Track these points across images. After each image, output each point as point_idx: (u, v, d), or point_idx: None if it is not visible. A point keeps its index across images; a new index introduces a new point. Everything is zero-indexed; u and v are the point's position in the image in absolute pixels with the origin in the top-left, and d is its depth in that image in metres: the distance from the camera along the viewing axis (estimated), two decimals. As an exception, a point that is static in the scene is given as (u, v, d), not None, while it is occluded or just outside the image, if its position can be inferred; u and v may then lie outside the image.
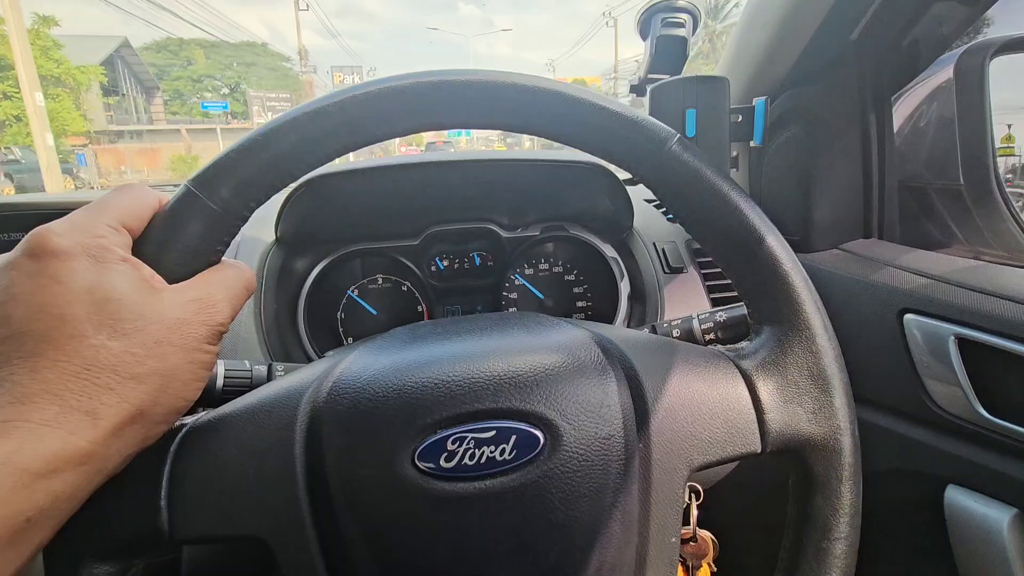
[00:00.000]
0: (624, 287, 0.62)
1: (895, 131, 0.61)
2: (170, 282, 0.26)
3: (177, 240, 0.27)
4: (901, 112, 0.66)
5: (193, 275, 0.27)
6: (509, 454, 0.26)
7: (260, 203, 0.28)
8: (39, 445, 0.21)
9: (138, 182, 0.57)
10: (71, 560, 0.25)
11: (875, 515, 0.50)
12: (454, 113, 0.28)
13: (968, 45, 0.57)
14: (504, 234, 0.63)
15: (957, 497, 0.43)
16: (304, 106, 0.28)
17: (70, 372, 0.22)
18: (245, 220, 0.28)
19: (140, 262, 0.25)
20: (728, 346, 0.33)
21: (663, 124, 0.30)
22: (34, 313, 0.22)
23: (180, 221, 0.27)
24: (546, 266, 0.67)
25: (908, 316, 0.47)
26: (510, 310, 0.66)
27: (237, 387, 0.38)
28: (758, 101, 0.48)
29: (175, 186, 0.30)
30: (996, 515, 0.40)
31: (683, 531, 0.41)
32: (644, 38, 0.61)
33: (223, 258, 0.29)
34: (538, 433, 0.27)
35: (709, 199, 0.30)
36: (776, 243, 0.30)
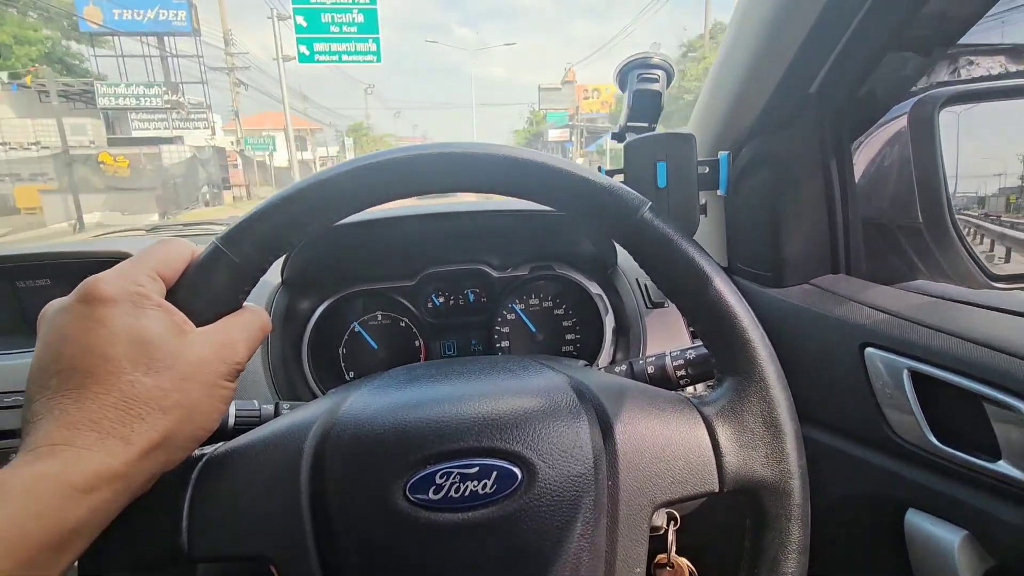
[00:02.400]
0: (609, 322, 0.66)
1: (861, 172, 0.66)
2: (197, 325, 0.30)
3: (205, 289, 0.31)
4: (866, 154, 0.70)
5: (217, 319, 0.31)
6: (490, 488, 0.30)
7: (278, 257, 0.32)
8: (82, 465, 0.25)
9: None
10: (101, 573, 0.28)
11: (841, 537, 0.53)
12: (452, 180, 0.32)
13: (919, 97, 0.61)
14: (495, 274, 0.67)
15: (916, 520, 0.46)
16: (319, 174, 0.32)
17: (109, 403, 0.26)
18: (264, 272, 0.33)
19: (172, 307, 0.29)
20: (693, 394, 0.36)
21: (636, 192, 0.34)
22: (82, 351, 0.27)
23: (208, 273, 0.31)
24: (536, 302, 0.71)
25: (868, 349, 0.51)
26: (500, 345, 0.69)
27: (248, 425, 0.42)
28: (722, 154, 0.52)
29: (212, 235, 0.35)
30: (949, 537, 0.42)
31: (659, 557, 0.44)
32: (622, 91, 0.66)
33: (247, 302, 0.33)
34: (516, 470, 0.30)
35: (674, 257, 0.33)
36: (733, 300, 0.33)
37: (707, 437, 0.33)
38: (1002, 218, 0.65)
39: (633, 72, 0.64)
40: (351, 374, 0.66)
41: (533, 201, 0.34)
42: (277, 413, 0.44)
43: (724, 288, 0.33)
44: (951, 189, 0.62)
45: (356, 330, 0.67)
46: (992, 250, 0.64)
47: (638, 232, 0.33)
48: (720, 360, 0.35)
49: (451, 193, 0.36)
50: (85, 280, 0.28)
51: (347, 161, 0.32)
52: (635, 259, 0.36)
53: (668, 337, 0.64)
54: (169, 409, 0.27)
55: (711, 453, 0.32)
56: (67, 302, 0.28)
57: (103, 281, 0.28)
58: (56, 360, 0.27)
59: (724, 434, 0.33)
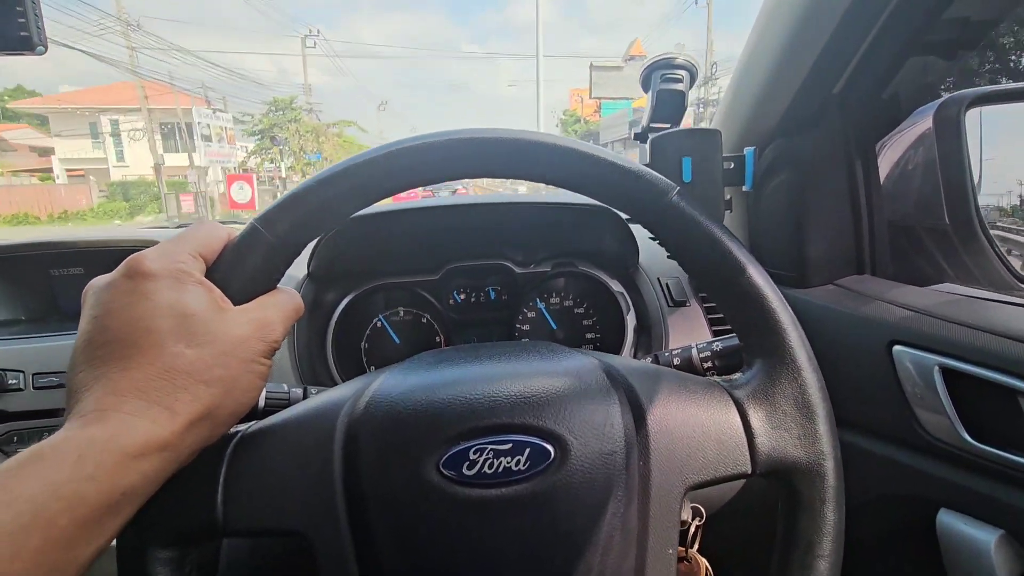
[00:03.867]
0: (631, 320, 0.66)
1: (886, 174, 0.66)
2: (235, 303, 0.31)
3: (242, 268, 0.31)
4: (890, 157, 0.70)
5: (254, 298, 0.32)
6: (524, 464, 0.30)
7: (312, 238, 0.33)
8: (132, 431, 0.25)
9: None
10: (139, 546, 0.29)
11: (872, 539, 0.51)
12: (482, 165, 0.33)
13: (945, 98, 0.62)
14: (517, 270, 0.68)
15: (949, 520, 0.45)
16: (353, 158, 0.32)
17: (153, 373, 0.27)
18: (299, 253, 0.33)
19: (212, 285, 0.30)
20: (723, 377, 0.36)
21: (664, 177, 0.34)
22: (127, 324, 0.27)
23: (245, 253, 0.31)
24: (557, 300, 0.71)
25: (897, 347, 0.50)
26: (523, 340, 0.70)
27: (277, 406, 0.42)
28: (748, 150, 0.53)
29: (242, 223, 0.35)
30: (984, 537, 0.42)
31: (678, 549, 0.43)
32: (645, 91, 0.67)
33: (278, 285, 0.34)
34: (549, 447, 0.30)
35: (704, 244, 0.34)
36: (763, 282, 0.33)
37: (739, 419, 0.32)
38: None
39: (657, 72, 0.65)
40: (371, 367, 0.67)
41: (561, 187, 0.34)
42: (306, 396, 0.45)
43: (754, 270, 0.33)
44: (976, 190, 0.62)
45: (378, 325, 0.67)
46: None
47: (666, 216, 0.34)
48: (749, 343, 0.35)
49: (483, 179, 0.36)
50: (130, 256, 0.29)
51: (380, 146, 0.33)
52: (663, 244, 0.36)
53: (690, 336, 0.64)
54: (212, 382, 0.28)
55: (743, 435, 0.32)
56: (112, 277, 0.29)
57: (147, 258, 0.29)
58: (102, 332, 0.27)
59: (756, 416, 0.32)
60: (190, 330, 0.28)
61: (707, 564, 0.46)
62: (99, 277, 0.30)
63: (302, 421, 0.32)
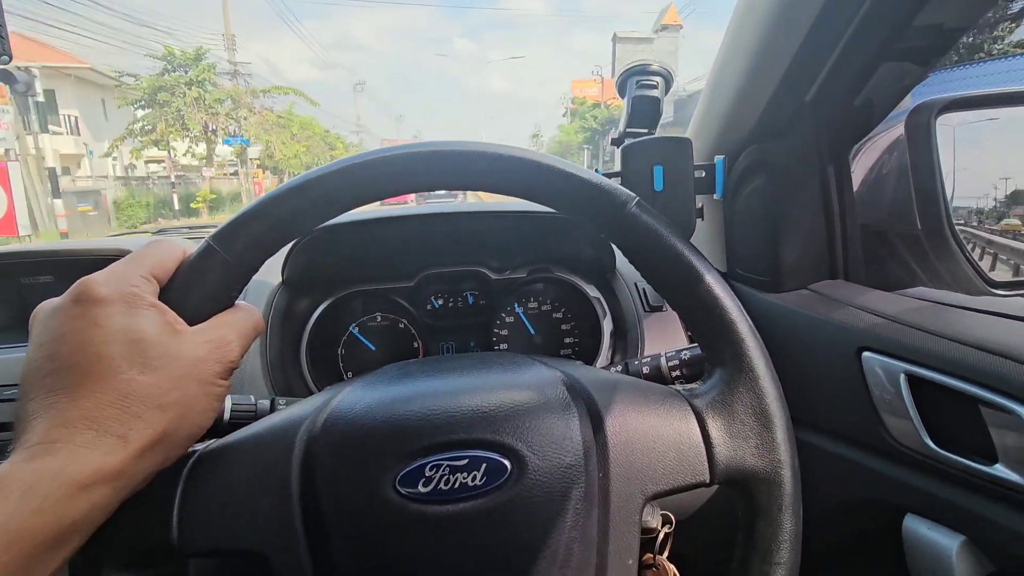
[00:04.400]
0: (607, 325, 0.66)
1: (860, 179, 0.66)
2: (190, 324, 0.30)
3: (197, 288, 0.31)
4: (864, 162, 0.71)
5: (210, 317, 0.31)
6: (480, 480, 0.30)
7: (270, 255, 0.33)
8: (81, 463, 0.25)
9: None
10: (93, 569, 0.28)
11: (838, 543, 0.52)
12: (442, 177, 0.33)
13: (916, 104, 0.62)
14: (493, 276, 0.68)
15: (914, 526, 0.45)
16: (309, 173, 0.32)
17: (105, 401, 0.26)
18: (256, 270, 0.33)
19: (165, 307, 0.30)
20: (684, 386, 0.36)
21: (623, 188, 0.34)
22: (77, 351, 0.27)
23: (201, 272, 0.31)
24: (535, 305, 0.71)
25: (866, 354, 0.50)
26: (499, 348, 0.70)
27: (243, 419, 0.42)
28: (718, 159, 0.53)
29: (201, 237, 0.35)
30: (947, 542, 0.42)
31: (646, 556, 0.43)
32: (621, 97, 0.67)
33: (236, 301, 0.33)
34: (506, 462, 0.30)
35: (662, 254, 0.34)
36: (721, 292, 0.34)
37: (697, 429, 0.33)
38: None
39: (632, 78, 0.65)
40: (349, 374, 0.67)
41: (522, 198, 0.35)
42: (273, 408, 0.44)
43: (711, 279, 0.34)
44: (949, 196, 0.63)
45: (354, 331, 0.67)
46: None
47: (626, 226, 0.34)
48: (710, 352, 0.35)
49: (447, 191, 0.36)
50: (79, 281, 0.29)
51: (337, 160, 0.32)
52: (625, 255, 0.36)
53: (666, 341, 0.64)
54: (167, 407, 0.28)
55: (701, 444, 0.32)
56: (60, 303, 0.28)
57: (97, 282, 0.28)
58: (51, 359, 0.27)
59: (714, 425, 0.33)
60: (143, 355, 0.28)
61: (675, 570, 0.46)
62: (47, 302, 0.29)
63: (261, 438, 0.32)
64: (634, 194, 0.34)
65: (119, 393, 0.26)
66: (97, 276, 0.29)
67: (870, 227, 0.66)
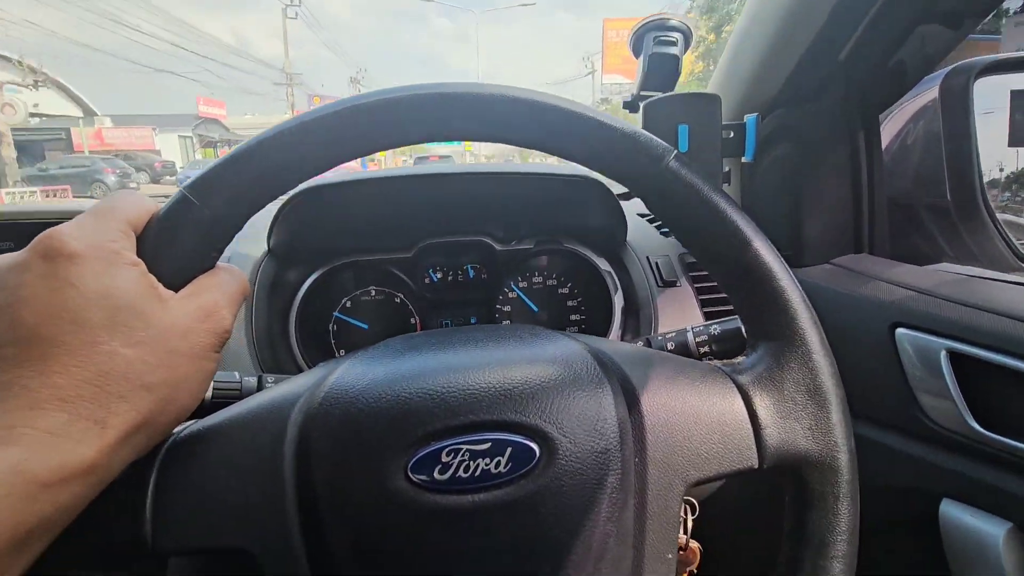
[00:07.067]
0: (618, 300, 0.63)
1: (884, 148, 0.63)
2: (167, 286, 0.26)
3: (175, 246, 0.27)
4: (890, 130, 0.67)
5: (189, 280, 0.27)
6: (505, 466, 0.26)
7: (254, 212, 0.28)
8: (47, 454, 0.20)
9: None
10: (55, 568, 0.24)
11: (870, 531, 0.49)
12: (456, 124, 0.28)
13: (953, 66, 0.58)
14: (498, 247, 0.63)
15: (952, 512, 0.43)
16: (299, 116, 0.28)
17: (82, 378, 0.22)
18: (239, 229, 0.28)
19: (146, 267, 0.25)
20: (724, 361, 0.33)
21: (660, 140, 0.30)
22: (46, 317, 0.22)
23: (176, 228, 0.27)
24: (540, 279, 0.67)
25: (900, 330, 0.47)
26: (504, 323, 0.65)
27: (227, 398, 0.38)
28: (749, 118, 0.49)
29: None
30: (991, 530, 0.39)
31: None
32: (637, 56, 0.62)
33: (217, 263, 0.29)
34: (534, 446, 0.26)
35: (705, 213, 0.30)
36: (771, 258, 0.30)
37: (743, 408, 0.29)
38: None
39: (649, 35, 0.60)
40: (341, 352, 0.62)
41: (542, 150, 0.30)
42: (260, 387, 0.40)
43: (761, 244, 0.30)
44: (980, 165, 0.59)
45: (347, 306, 0.62)
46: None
47: (662, 183, 0.30)
48: (754, 324, 0.31)
49: (456, 142, 0.32)
50: (43, 234, 0.24)
51: (335, 102, 0.28)
52: (658, 214, 0.32)
53: (680, 317, 0.60)
54: (153, 387, 0.23)
55: (748, 425, 0.29)
56: (23, 257, 0.23)
57: (67, 234, 0.23)
58: (13, 327, 0.22)
59: (762, 404, 0.29)
60: (126, 324, 0.23)
61: (701, 548, 0.43)
62: (2, 257, 0.24)
63: (248, 421, 0.28)
64: (670, 146, 0.30)
65: (99, 369, 0.22)
66: (66, 227, 0.24)
67: (894, 198, 0.63)
